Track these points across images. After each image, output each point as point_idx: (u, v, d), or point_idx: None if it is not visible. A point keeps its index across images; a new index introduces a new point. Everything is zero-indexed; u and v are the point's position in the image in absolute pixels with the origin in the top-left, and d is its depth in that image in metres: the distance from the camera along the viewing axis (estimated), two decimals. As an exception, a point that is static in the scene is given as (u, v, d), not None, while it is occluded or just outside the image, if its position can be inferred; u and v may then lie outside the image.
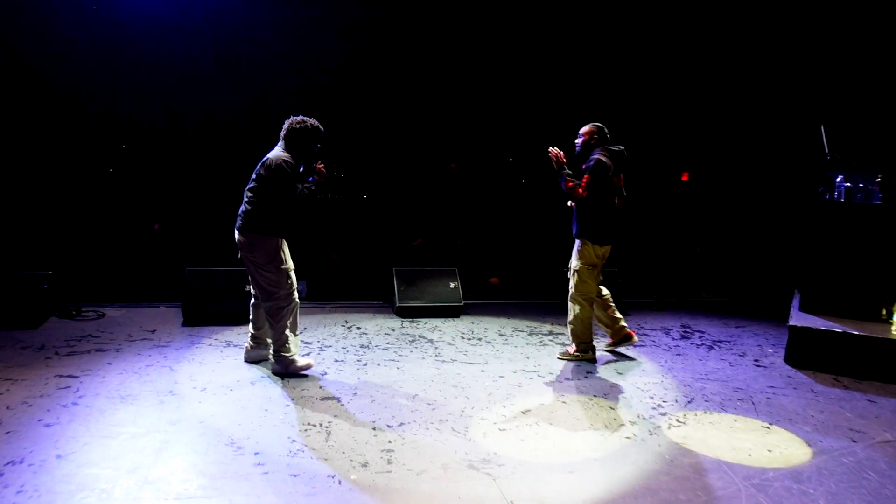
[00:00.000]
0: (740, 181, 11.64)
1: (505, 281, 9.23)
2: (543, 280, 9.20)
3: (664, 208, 12.24)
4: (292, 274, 5.38)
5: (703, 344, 7.05)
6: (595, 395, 5.33)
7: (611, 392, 5.43)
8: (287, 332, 5.37)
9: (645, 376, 5.88)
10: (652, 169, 12.38)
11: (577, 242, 6.02)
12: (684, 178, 15.13)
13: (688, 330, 7.63)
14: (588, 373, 5.90)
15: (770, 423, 4.94)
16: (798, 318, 6.67)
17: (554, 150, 5.93)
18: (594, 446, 4.38)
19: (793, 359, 6.50)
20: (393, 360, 5.98)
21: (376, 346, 6.42)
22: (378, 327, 7.10)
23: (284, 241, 5.39)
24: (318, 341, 6.50)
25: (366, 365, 5.82)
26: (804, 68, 10.74)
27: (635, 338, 6.48)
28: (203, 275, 7.10)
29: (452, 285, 7.78)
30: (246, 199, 5.28)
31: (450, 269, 7.96)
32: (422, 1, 10.77)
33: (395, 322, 7.36)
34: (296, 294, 5.42)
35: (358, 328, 7.04)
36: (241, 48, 10.61)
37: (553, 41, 11.49)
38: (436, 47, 11.30)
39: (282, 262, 5.29)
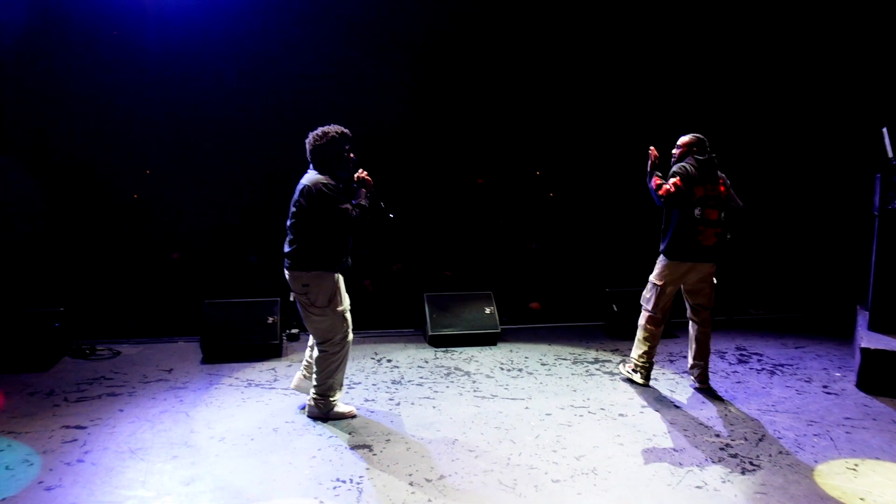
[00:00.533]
0: (789, 186, 11.02)
1: (542, 303, 8.71)
2: (584, 301, 8.66)
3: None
4: (348, 315, 4.86)
5: (763, 369, 6.47)
6: (654, 435, 4.78)
7: (671, 429, 4.88)
8: (336, 376, 4.89)
9: (706, 409, 5.33)
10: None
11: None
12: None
13: (744, 353, 7.04)
14: (643, 407, 5.35)
15: (856, 465, 4.36)
16: (869, 340, 6.07)
17: (653, 149, 5.56)
18: (661, 498, 3.84)
19: (866, 384, 5.90)
20: (428, 398, 5.49)
21: (409, 381, 5.93)
22: (410, 359, 6.61)
23: (341, 277, 4.83)
24: (346, 377, 6.02)
25: (398, 404, 5.33)
26: (861, 61, 10.12)
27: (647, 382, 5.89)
28: (223, 307, 6.69)
29: (488, 311, 7.28)
30: (291, 237, 4.71)
31: (484, 294, 7.46)
32: (447, 16, 10.38)
33: (428, 352, 6.87)
34: (350, 336, 4.90)
35: (388, 361, 6.56)
36: (266, 67, 10.29)
37: (583, 48, 11.04)
38: (461, 61, 10.92)
39: (339, 302, 4.76)
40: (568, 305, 8.74)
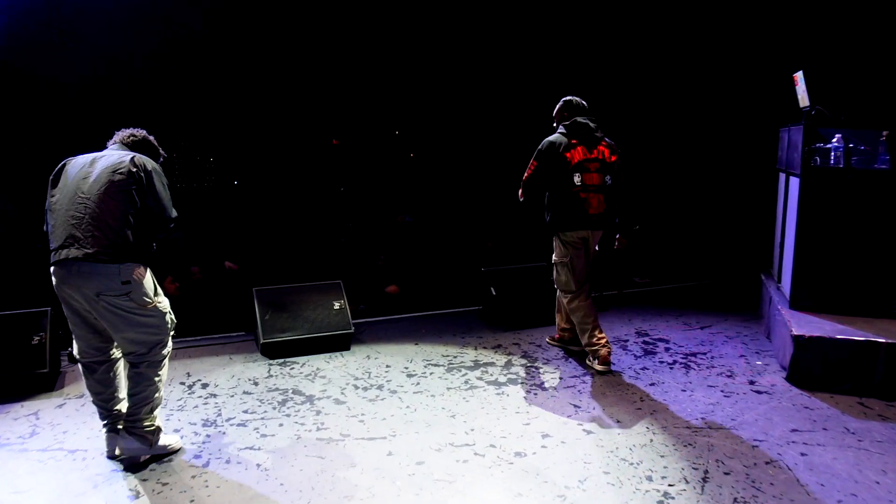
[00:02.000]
0: (669, 142, 10.07)
1: (408, 286, 7.20)
2: (455, 282, 7.25)
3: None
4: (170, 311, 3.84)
5: (675, 362, 5.33)
6: (567, 487, 3.43)
7: (588, 475, 3.55)
8: (162, 391, 3.80)
9: (625, 432, 4.06)
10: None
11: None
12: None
13: (647, 339, 5.89)
14: (544, 436, 4.00)
15: (839, 514, 3.22)
16: (799, 324, 5.04)
17: None
18: None
19: (800, 378, 4.88)
20: (252, 449, 3.87)
21: (228, 419, 4.27)
22: (234, 381, 4.93)
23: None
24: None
25: (206, 465, 3.69)
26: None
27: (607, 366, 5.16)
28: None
29: (337, 305, 5.70)
30: (95, 219, 3.48)
31: (332, 284, 5.86)
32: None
33: (260, 367, 5.21)
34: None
35: (204, 386, 4.85)
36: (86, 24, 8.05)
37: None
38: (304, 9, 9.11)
39: (157, 293, 3.75)
40: (438, 288, 7.28)
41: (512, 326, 6.16)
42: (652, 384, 4.86)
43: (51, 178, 3.66)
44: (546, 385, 4.80)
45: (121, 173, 3.54)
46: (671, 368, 5.18)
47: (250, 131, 11.42)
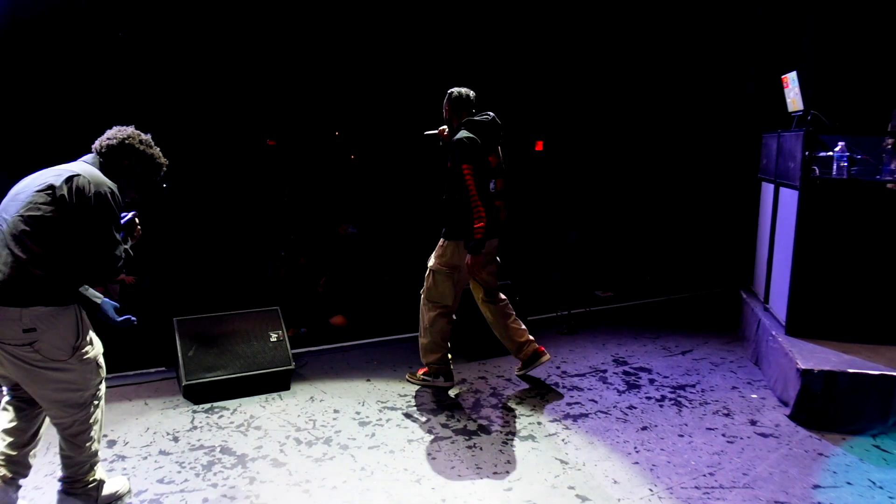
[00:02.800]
0: (633, 144, 9.56)
1: (352, 312, 6.38)
2: (409, 302, 6.48)
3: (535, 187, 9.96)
4: (101, 357, 3.15)
5: (664, 397, 4.70)
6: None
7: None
8: (97, 444, 3.19)
9: (627, 498, 3.38)
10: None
11: (442, 241, 4.59)
12: (538, 146, 13.02)
13: (627, 369, 5.26)
14: (533, 509, 3.29)
15: None
16: (803, 355, 4.49)
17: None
18: None
19: (808, 418, 4.31)
20: (164, 540, 3.04)
21: (139, 493, 3.42)
22: (149, 436, 4.06)
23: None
24: (20, 494, 3.39)
25: (103, 569, 2.84)
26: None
27: (547, 355, 4.87)
28: None
29: (274, 336, 4.87)
30: (20, 249, 2.81)
31: (268, 311, 5.02)
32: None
33: (182, 416, 4.35)
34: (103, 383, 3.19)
35: (111, 444, 3.96)
36: None
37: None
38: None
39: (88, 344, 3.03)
40: (390, 310, 6.49)
41: (476, 356, 5.44)
42: (644, 427, 4.21)
43: None
44: (523, 433, 4.09)
45: (46, 195, 2.85)
46: (661, 406, 4.54)
47: (174, 126, 10.39)
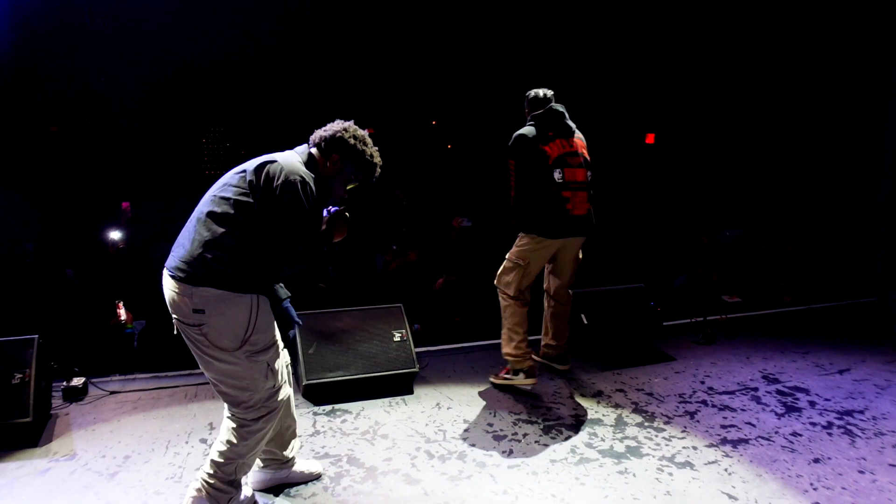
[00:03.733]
0: (772, 146, 8.91)
1: (470, 312, 6.03)
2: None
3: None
4: (281, 359, 3.00)
5: (831, 424, 4.15)
6: None
7: None
8: (248, 457, 2.96)
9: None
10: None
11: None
12: (649, 139, 12.40)
13: (781, 388, 4.71)
14: (709, 555, 2.85)
15: None
16: None
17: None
18: None
19: None
20: (299, 564, 2.76)
21: (265, 504, 3.17)
22: (270, 438, 3.82)
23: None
24: (144, 497, 3.21)
25: None
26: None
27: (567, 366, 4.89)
28: None
29: (398, 336, 4.57)
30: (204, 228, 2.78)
31: (391, 308, 4.73)
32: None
33: (303, 419, 4.10)
34: (283, 394, 3.02)
35: (231, 444, 3.74)
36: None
37: None
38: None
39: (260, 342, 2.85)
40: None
41: (610, 364, 5.01)
42: (816, 460, 3.69)
43: None
44: (679, 459, 3.65)
45: (238, 177, 2.82)
46: (830, 435, 4.00)
47: (280, 121, 10.45)
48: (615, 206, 8.49)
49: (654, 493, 3.30)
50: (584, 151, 4.52)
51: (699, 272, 7.22)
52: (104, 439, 3.84)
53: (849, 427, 4.11)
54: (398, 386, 4.47)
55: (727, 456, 3.70)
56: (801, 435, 3.99)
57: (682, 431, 3.98)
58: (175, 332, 2.84)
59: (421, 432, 3.91)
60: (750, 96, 9.24)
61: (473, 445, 3.76)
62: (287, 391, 3.06)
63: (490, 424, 4.04)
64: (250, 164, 2.83)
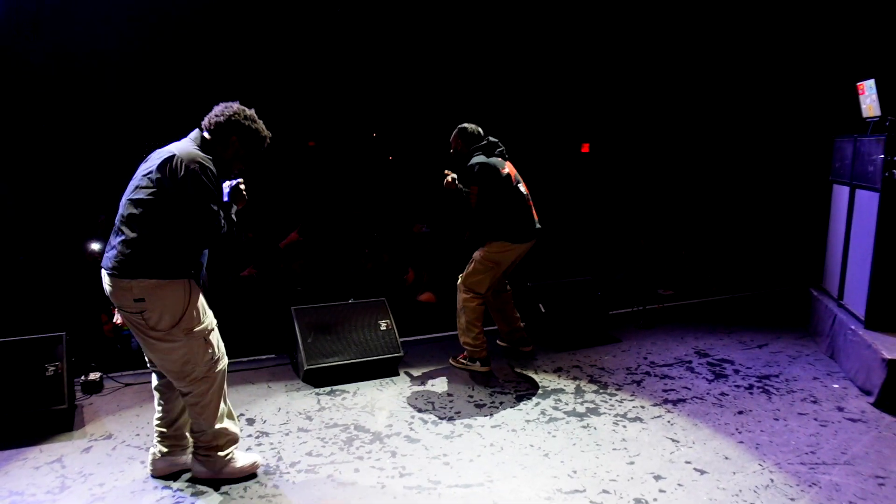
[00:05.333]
0: (697, 145, 9.84)
1: (439, 300, 6.70)
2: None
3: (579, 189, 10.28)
4: (214, 333, 3.44)
5: (752, 386, 4.98)
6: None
7: (730, 529, 3.15)
8: (218, 418, 3.47)
9: (740, 471, 3.67)
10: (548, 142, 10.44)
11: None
12: (584, 149, 13.31)
13: (711, 360, 5.54)
14: (658, 478, 3.59)
15: None
16: (887, 347, 4.74)
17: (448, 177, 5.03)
18: None
19: (892, 405, 4.56)
20: (332, 498, 3.37)
21: (293, 464, 3.76)
22: (283, 415, 4.41)
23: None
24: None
25: (289, 523, 3.18)
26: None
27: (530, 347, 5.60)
28: None
29: (384, 325, 5.21)
30: (129, 229, 3.19)
31: (376, 301, 5.36)
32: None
33: (307, 397, 4.70)
34: (223, 362, 3.48)
35: (249, 420, 4.32)
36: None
37: None
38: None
39: (196, 320, 3.31)
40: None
41: (565, 346, 5.75)
42: (740, 412, 4.49)
43: None
44: (630, 415, 4.39)
45: (147, 179, 3.17)
46: (751, 394, 4.82)
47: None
48: (563, 208, 9.30)
49: (613, 440, 4.03)
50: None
51: (637, 268, 8.07)
52: (133, 421, 4.34)
53: (766, 387, 4.94)
54: (386, 369, 5.11)
55: (669, 412, 4.47)
56: (727, 394, 4.80)
57: (632, 395, 4.74)
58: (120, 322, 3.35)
59: (413, 405, 4.56)
60: (677, 103, 10.12)
61: (459, 412, 4.43)
62: (225, 362, 3.50)
63: (470, 396, 4.72)
64: (153, 163, 3.16)
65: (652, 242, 8.71)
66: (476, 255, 5.08)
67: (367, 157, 13.47)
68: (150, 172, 3.15)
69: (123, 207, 3.19)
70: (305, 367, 4.84)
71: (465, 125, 5.13)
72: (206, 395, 3.39)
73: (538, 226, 5.14)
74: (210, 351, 3.37)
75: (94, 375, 4.91)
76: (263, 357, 5.51)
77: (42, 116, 7.75)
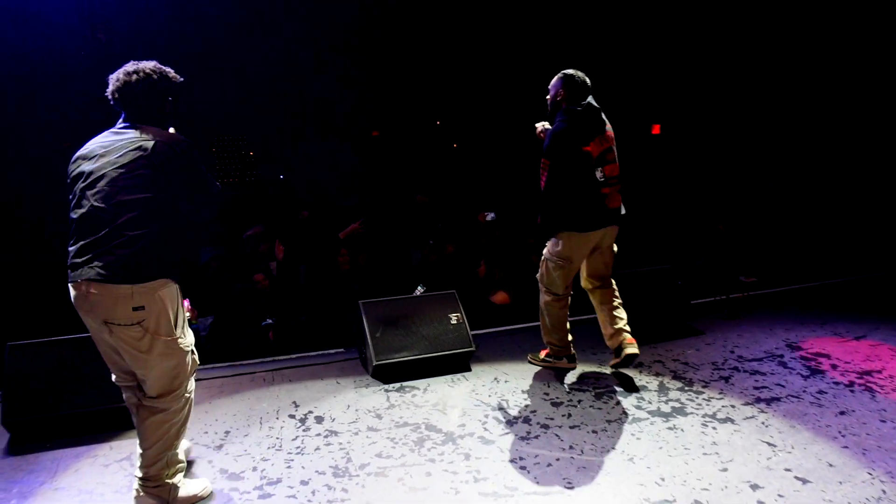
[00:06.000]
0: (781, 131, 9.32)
1: (513, 294, 6.46)
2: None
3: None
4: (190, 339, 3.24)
5: (853, 383, 4.58)
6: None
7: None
8: (177, 443, 3.25)
9: (847, 481, 3.34)
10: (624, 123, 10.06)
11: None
12: (655, 130, 12.82)
13: (804, 354, 5.15)
14: (755, 487, 3.29)
15: None
16: None
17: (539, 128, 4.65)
18: None
19: None
20: (406, 507, 3.21)
21: (363, 465, 3.60)
22: (352, 413, 4.26)
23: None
24: (253, 463, 3.64)
25: (359, 532, 3.03)
26: None
27: (634, 349, 4.57)
28: (36, 351, 4.09)
29: (454, 319, 5.01)
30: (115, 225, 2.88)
31: (446, 294, 5.17)
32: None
33: (376, 394, 4.54)
34: (192, 383, 3.28)
35: (318, 419, 4.19)
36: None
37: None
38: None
39: (183, 328, 3.15)
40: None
41: (645, 340, 5.43)
42: (842, 412, 4.12)
43: None
44: (720, 415, 4.08)
45: (135, 176, 2.94)
46: (852, 392, 4.43)
47: (292, 125, 10.81)
48: (636, 194, 8.92)
49: (703, 444, 3.74)
50: (614, 144, 4.47)
51: (717, 255, 7.65)
52: (202, 418, 4.27)
53: (869, 385, 4.54)
54: (457, 364, 4.91)
55: (762, 412, 4.14)
56: (826, 393, 4.43)
57: (720, 393, 4.42)
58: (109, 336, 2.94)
59: (486, 402, 4.36)
60: (759, 78, 9.61)
61: (535, 411, 4.20)
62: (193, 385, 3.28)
63: (546, 394, 4.48)
64: (136, 159, 2.90)
65: (732, 227, 8.26)
66: (545, 250, 4.68)
67: (431, 146, 13.34)
68: (137, 169, 2.90)
69: (112, 209, 2.86)
70: (374, 363, 4.68)
71: (573, 72, 4.39)
72: (181, 412, 3.19)
73: (622, 210, 4.54)
74: (194, 368, 3.23)
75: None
76: (332, 351, 5.39)
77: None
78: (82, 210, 2.90)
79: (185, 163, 3.02)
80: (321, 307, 6.07)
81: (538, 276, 4.78)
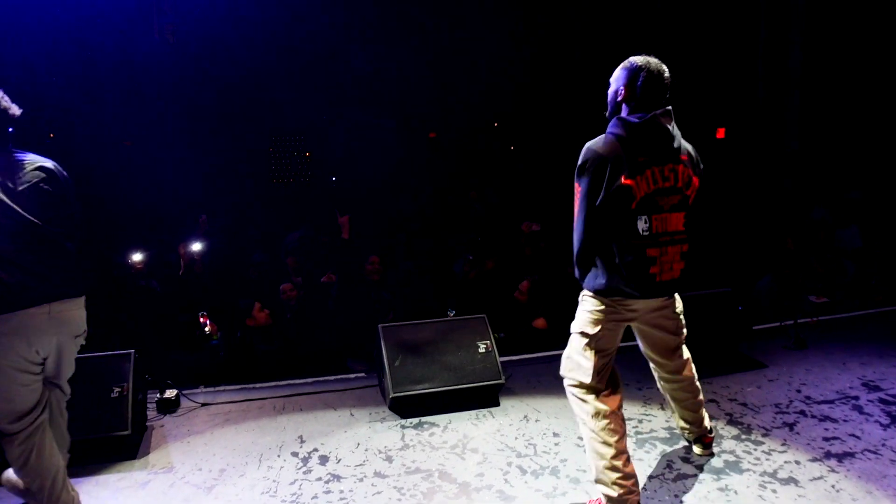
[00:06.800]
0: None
1: (552, 315, 5.94)
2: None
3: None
4: None
5: (943, 435, 3.93)
6: None
7: None
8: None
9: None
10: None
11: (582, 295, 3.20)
12: (720, 134, 12.07)
13: (884, 397, 4.48)
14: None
15: None
16: None
17: None
18: None
19: None
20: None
21: (361, 521, 3.18)
22: (361, 453, 3.84)
23: None
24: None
25: None
26: None
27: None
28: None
29: (483, 347, 4.54)
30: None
31: (474, 318, 4.70)
32: None
33: (392, 432, 4.11)
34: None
35: (323, 458, 3.79)
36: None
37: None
38: None
39: None
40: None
41: (699, 373, 4.80)
42: (930, 475, 3.50)
43: None
44: (781, 474, 3.51)
45: (39, 198, 2.93)
46: (943, 445, 3.79)
47: (347, 128, 10.55)
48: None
49: (757, 512, 3.18)
50: (691, 174, 3.05)
51: (784, 273, 6.97)
52: (199, 452, 3.92)
53: (963, 438, 3.89)
54: (484, 398, 4.44)
55: (833, 471, 3.54)
56: (910, 446, 3.80)
57: (783, 444, 3.83)
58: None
59: (511, 446, 3.87)
60: (835, 76, 8.88)
61: (565, 460, 3.70)
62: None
63: (580, 438, 3.95)
64: (35, 184, 2.86)
65: (802, 243, 7.54)
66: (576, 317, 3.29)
67: (488, 148, 12.90)
68: (38, 191, 2.88)
69: (32, 231, 2.82)
70: (392, 395, 4.25)
71: (644, 61, 2.96)
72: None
73: (675, 283, 3.09)
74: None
75: (170, 393, 4.57)
76: (352, 376, 5.00)
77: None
78: None
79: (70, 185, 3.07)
80: (349, 321, 5.69)
81: (563, 358, 3.45)
